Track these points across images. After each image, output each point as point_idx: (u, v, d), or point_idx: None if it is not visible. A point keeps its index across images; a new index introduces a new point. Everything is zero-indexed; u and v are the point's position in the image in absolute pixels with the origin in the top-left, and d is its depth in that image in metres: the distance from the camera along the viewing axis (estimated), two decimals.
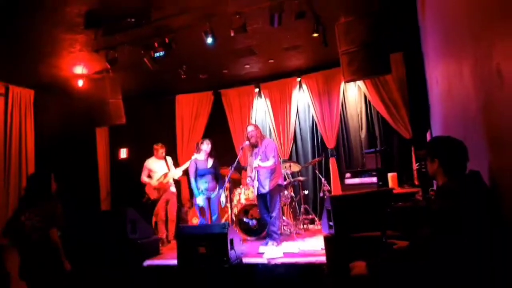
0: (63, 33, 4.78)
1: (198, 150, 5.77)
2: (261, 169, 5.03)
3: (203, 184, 5.56)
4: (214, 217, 5.57)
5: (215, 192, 5.61)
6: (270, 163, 4.95)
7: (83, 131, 7.34)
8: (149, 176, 6.29)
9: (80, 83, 6.12)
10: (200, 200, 5.50)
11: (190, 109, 7.95)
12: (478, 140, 1.90)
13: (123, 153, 8.28)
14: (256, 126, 5.30)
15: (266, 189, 5.00)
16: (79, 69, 6.03)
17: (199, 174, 5.58)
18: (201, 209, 5.59)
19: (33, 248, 3.28)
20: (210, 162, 5.70)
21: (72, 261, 3.46)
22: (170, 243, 6.04)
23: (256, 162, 4.96)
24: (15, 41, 4.89)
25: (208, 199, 5.58)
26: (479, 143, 1.87)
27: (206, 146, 5.71)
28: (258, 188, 5.09)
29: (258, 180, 5.08)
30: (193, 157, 5.76)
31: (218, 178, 5.73)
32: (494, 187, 1.77)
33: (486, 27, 1.53)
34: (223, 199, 5.66)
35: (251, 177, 5.35)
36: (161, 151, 6.36)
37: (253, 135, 5.14)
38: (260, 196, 5.12)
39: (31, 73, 6.01)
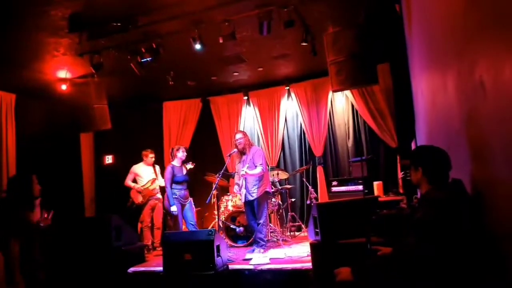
0: (46, 36, 4.71)
1: (173, 156, 5.70)
2: (248, 177, 5.03)
3: (178, 191, 5.48)
4: (192, 224, 5.51)
5: (188, 200, 5.60)
6: (258, 170, 4.95)
7: (67, 136, 7.22)
8: (134, 181, 6.23)
9: (64, 87, 6.03)
10: (175, 208, 5.38)
11: (178, 116, 7.92)
12: (461, 149, 1.95)
13: (109, 159, 8.18)
14: (244, 133, 5.30)
15: (253, 196, 5.00)
16: (62, 73, 5.95)
17: (175, 181, 5.49)
18: (176, 217, 5.49)
19: None
20: (184, 170, 5.66)
21: (55, 269, 3.35)
22: (156, 250, 5.97)
23: (244, 170, 4.96)
24: None
25: (182, 206, 5.50)
26: (462, 152, 1.92)
27: (182, 153, 5.64)
28: (245, 195, 5.08)
29: (246, 187, 5.08)
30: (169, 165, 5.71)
31: (190, 187, 5.73)
32: (477, 195, 1.81)
33: (469, 42, 1.58)
34: (193, 205, 5.70)
35: (238, 185, 5.34)
36: (151, 156, 6.34)
37: (241, 142, 5.14)
38: (248, 203, 5.11)
39: (13, 77, 5.90)
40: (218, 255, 4.10)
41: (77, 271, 4.60)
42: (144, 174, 6.23)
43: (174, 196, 5.40)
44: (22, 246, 3.22)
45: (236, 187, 5.44)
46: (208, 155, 7.65)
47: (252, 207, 5.08)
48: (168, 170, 5.50)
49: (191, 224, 5.51)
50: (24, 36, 4.66)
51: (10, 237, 3.13)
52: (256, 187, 5.01)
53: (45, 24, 4.40)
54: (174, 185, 5.47)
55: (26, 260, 3.27)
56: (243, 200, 5.18)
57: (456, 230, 1.73)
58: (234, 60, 6.06)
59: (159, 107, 8.01)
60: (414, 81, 4.27)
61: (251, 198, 5.02)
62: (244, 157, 5.19)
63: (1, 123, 6.12)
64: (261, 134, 7.51)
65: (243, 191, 5.11)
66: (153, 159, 6.38)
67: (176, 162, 5.63)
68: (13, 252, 3.11)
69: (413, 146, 5.14)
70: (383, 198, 5.64)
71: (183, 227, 5.59)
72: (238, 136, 5.21)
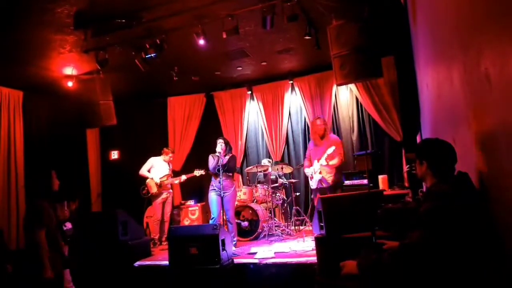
0: (52, 34, 4.75)
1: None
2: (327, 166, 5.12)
3: (215, 181, 5.41)
4: (228, 215, 5.32)
5: (229, 191, 5.33)
6: (336, 161, 5.09)
7: (74, 132, 7.29)
8: (148, 172, 6.31)
9: (70, 84, 6.08)
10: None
11: (182, 112, 7.93)
12: (467, 142, 1.94)
13: (114, 154, 8.24)
14: (324, 120, 5.49)
15: (327, 184, 5.12)
16: (68, 70, 5.99)
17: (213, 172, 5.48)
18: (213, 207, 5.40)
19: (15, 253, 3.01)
20: (225, 160, 5.46)
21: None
22: (162, 244, 6.01)
23: (323, 160, 5.05)
24: (3, 42, 4.84)
25: (221, 197, 5.33)
26: (468, 145, 1.91)
27: (219, 145, 5.54)
28: (317, 181, 5.16)
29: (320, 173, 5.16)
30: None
31: (232, 176, 5.64)
32: (483, 188, 1.80)
33: (474, 35, 1.56)
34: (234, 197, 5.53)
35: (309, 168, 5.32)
36: (171, 155, 6.52)
37: (322, 128, 5.31)
38: (319, 190, 5.18)
39: (20, 74, 5.96)
40: (223, 249, 4.13)
41: (84, 265, 4.65)
42: (160, 168, 6.35)
43: (211, 188, 5.38)
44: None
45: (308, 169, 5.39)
46: (213, 150, 7.64)
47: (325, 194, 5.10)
48: (209, 159, 5.52)
49: (227, 215, 5.32)
50: (30, 33, 4.69)
51: (33, 229, 3.02)
52: (331, 175, 5.13)
53: (51, 21, 4.43)
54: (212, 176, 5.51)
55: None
56: (314, 186, 5.22)
57: (461, 223, 1.72)
58: (237, 55, 6.05)
59: (163, 102, 8.03)
60: (419, 74, 4.24)
61: (325, 186, 5.14)
62: (321, 142, 5.27)
63: (9, 119, 6.22)
64: (265, 129, 7.51)
65: (317, 176, 5.16)
66: (172, 158, 6.57)
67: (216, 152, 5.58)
68: (38, 243, 2.98)
69: (418, 139, 5.12)
70: (388, 192, 5.63)
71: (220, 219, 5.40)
72: (319, 122, 5.39)
